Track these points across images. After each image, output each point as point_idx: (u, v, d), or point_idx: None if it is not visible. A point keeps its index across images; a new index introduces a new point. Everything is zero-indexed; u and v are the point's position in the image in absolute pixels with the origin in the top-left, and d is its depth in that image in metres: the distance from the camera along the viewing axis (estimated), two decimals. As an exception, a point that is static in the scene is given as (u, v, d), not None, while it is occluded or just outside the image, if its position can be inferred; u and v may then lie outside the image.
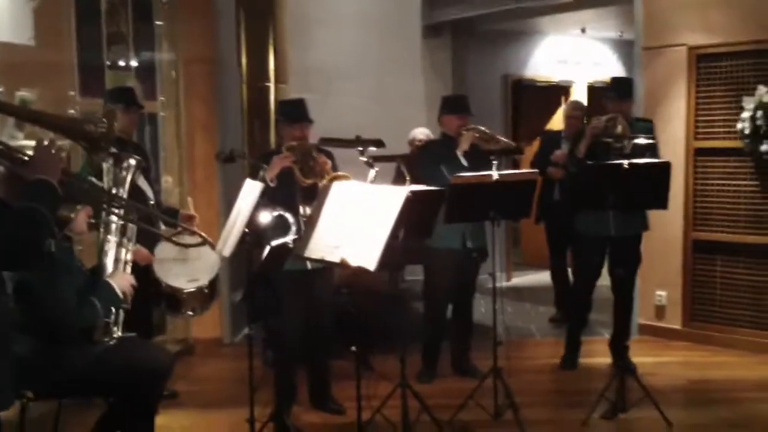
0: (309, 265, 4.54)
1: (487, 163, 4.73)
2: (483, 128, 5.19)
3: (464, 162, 5.14)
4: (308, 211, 4.53)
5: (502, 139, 5.19)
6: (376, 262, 3.36)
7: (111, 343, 3.81)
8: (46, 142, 2.55)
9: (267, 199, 4.32)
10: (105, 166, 4.38)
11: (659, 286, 6.43)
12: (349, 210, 3.53)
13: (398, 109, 7.80)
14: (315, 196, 4.55)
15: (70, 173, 3.84)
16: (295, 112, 4.84)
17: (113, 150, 4.77)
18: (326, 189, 3.74)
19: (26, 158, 2.54)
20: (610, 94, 5.40)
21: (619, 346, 5.32)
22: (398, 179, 6.16)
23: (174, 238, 4.56)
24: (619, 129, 5.16)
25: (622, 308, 5.48)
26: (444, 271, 5.37)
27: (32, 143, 4.32)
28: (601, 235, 5.28)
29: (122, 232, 4.14)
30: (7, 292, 2.56)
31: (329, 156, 4.77)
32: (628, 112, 5.36)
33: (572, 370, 5.66)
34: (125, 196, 4.14)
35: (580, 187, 4.86)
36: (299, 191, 4.63)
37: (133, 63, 6.07)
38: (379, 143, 5.22)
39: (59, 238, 3.59)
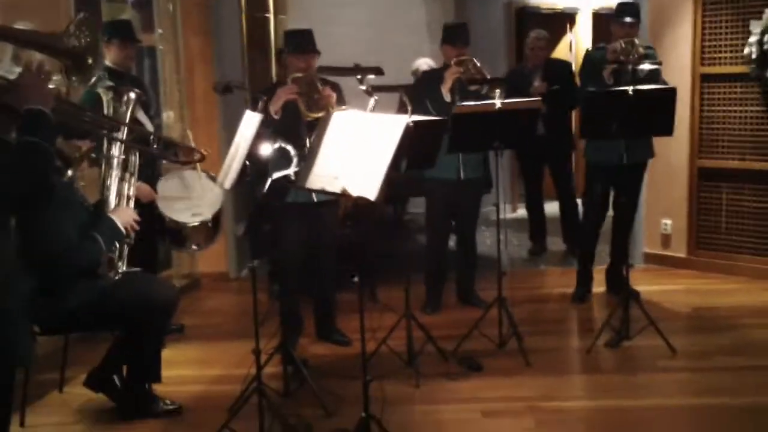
0: (315, 197, 4.51)
1: (477, 99, 4.67)
2: (474, 62, 5.05)
3: (447, 98, 5.02)
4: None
5: (488, 75, 5.04)
6: (377, 192, 3.31)
7: (116, 277, 3.83)
8: (33, 68, 2.42)
9: (272, 131, 4.28)
10: (105, 99, 4.34)
11: (664, 215, 6.41)
12: (349, 139, 3.47)
13: (399, 38, 7.68)
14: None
15: (70, 102, 3.80)
16: (301, 42, 4.71)
17: (108, 71, 4.73)
18: (326, 118, 3.68)
19: (12, 85, 2.39)
20: (618, 19, 5.29)
21: (618, 274, 5.35)
22: (401, 110, 6.09)
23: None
24: (641, 50, 5.06)
25: (624, 235, 5.46)
26: (440, 202, 5.36)
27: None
28: (612, 164, 5.17)
29: (124, 166, 4.13)
30: (10, 234, 2.48)
31: (336, 87, 4.68)
32: (635, 37, 5.25)
33: (585, 303, 5.62)
34: (127, 131, 4.10)
35: (584, 117, 4.79)
36: (305, 123, 4.56)
37: (130, -5, 5.96)
38: (377, 71, 5.15)
39: (62, 175, 3.57)
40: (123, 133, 4.08)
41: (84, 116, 3.66)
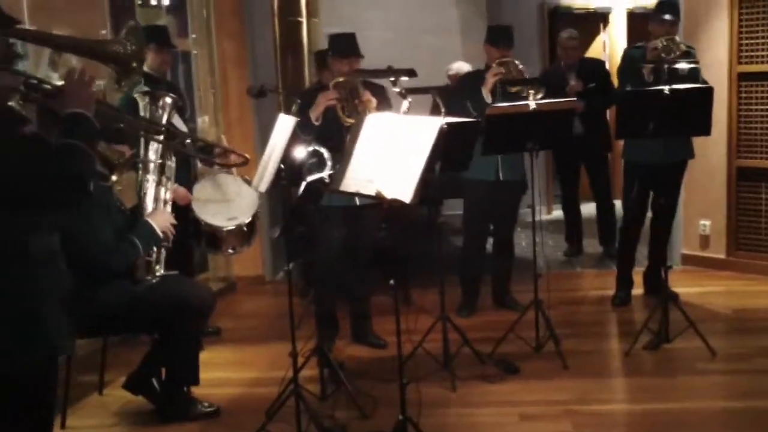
0: (357, 200, 4.51)
1: (517, 100, 4.64)
2: (516, 65, 4.99)
3: (488, 99, 4.95)
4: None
5: (528, 78, 5.00)
6: (412, 195, 3.31)
7: (153, 281, 3.86)
8: (77, 74, 2.47)
9: (314, 136, 4.29)
10: (141, 104, 4.38)
11: (703, 216, 6.32)
12: (384, 142, 3.46)
13: (433, 40, 7.67)
14: None
15: (109, 105, 3.85)
16: (344, 46, 4.72)
17: (144, 76, 4.79)
18: (360, 121, 3.68)
19: (57, 90, 2.45)
20: (658, 16, 5.22)
21: (656, 276, 5.27)
22: (434, 112, 6.07)
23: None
24: (682, 47, 5.00)
25: (663, 237, 5.40)
26: (479, 203, 5.33)
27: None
28: (650, 164, 5.07)
29: (161, 171, 4.15)
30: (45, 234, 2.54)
31: (380, 91, 4.66)
32: (675, 35, 5.20)
33: (625, 307, 5.54)
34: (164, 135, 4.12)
35: (620, 116, 4.74)
36: (346, 128, 4.56)
37: (165, 0, 6.00)
38: (410, 72, 5.10)
39: (106, 181, 3.61)
40: (161, 137, 4.11)
41: (123, 119, 3.71)
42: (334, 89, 4.52)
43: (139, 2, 5.74)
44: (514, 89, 4.92)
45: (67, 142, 2.30)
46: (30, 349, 2.35)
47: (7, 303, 2.30)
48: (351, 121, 4.44)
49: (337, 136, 4.34)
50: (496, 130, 4.49)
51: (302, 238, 5.49)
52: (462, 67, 6.67)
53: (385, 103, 4.60)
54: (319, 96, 4.52)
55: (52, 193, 2.28)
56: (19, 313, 2.32)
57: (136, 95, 4.51)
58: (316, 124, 4.45)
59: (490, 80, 4.95)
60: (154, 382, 4.04)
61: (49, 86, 2.47)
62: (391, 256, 4.74)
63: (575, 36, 6.79)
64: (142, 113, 4.39)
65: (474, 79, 5.18)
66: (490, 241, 5.68)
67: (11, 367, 2.30)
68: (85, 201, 2.38)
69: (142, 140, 4.06)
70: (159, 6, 5.94)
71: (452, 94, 5.21)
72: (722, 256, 6.25)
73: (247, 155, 4.22)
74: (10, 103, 2.42)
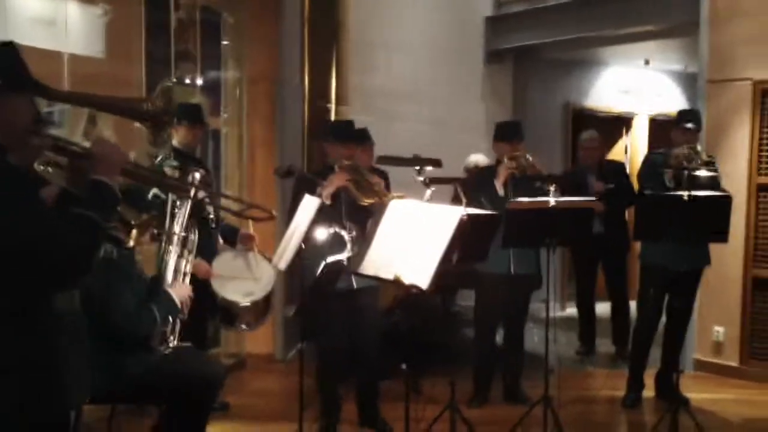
0: (355, 283, 4.56)
1: (530, 193, 4.74)
2: (527, 157, 5.11)
3: (501, 192, 5.09)
4: (353, 229, 4.58)
5: (542, 171, 5.11)
6: (429, 281, 3.36)
7: (166, 352, 3.88)
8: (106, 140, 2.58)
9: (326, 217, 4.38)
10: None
11: (717, 322, 6.30)
12: (405, 227, 3.54)
13: (458, 134, 7.82)
14: (361, 214, 4.60)
15: (141, 166, 3.96)
16: (344, 131, 4.89)
17: (174, 151, 4.91)
18: (383, 205, 3.76)
19: (85, 153, 2.51)
20: (679, 125, 5.34)
21: (668, 380, 5.24)
22: (455, 202, 6.17)
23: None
24: (704, 157, 5.09)
25: (676, 341, 5.39)
26: (491, 295, 5.36)
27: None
28: (668, 268, 5.11)
29: (183, 244, 4.23)
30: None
31: (383, 175, 4.79)
32: (696, 143, 5.30)
33: (635, 408, 5.48)
34: (188, 209, 4.21)
35: (638, 218, 4.80)
36: (345, 209, 4.66)
37: (199, 81, 6.21)
38: (436, 163, 5.25)
39: (122, 245, 3.68)
40: (185, 210, 4.19)
41: (157, 179, 3.81)
42: (341, 171, 4.62)
43: (175, 80, 5.94)
44: (538, 184, 4.98)
45: (83, 213, 2.34)
46: (46, 405, 2.40)
47: (27, 360, 2.33)
48: (367, 200, 4.56)
49: (338, 217, 4.48)
50: (516, 224, 4.55)
51: (316, 318, 5.51)
52: (479, 159, 6.80)
53: (386, 188, 4.72)
54: (331, 176, 4.62)
55: (57, 261, 2.29)
56: (38, 370, 2.37)
57: (166, 170, 4.63)
58: (327, 203, 4.53)
59: (503, 173, 5.07)
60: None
61: (77, 147, 2.57)
62: (404, 341, 4.74)
63: (595, 137, 6.95)
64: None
65: (488, 174, 5.31)
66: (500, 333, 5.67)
67: (26, 423, 2.33)
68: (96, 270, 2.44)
69: (168, 212, 4.15)
70: (194, 86, 6.14)
71: (468, 188, 5.32)
72: (735, 363, 6.21)
73: (272, 211, 4.25)
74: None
